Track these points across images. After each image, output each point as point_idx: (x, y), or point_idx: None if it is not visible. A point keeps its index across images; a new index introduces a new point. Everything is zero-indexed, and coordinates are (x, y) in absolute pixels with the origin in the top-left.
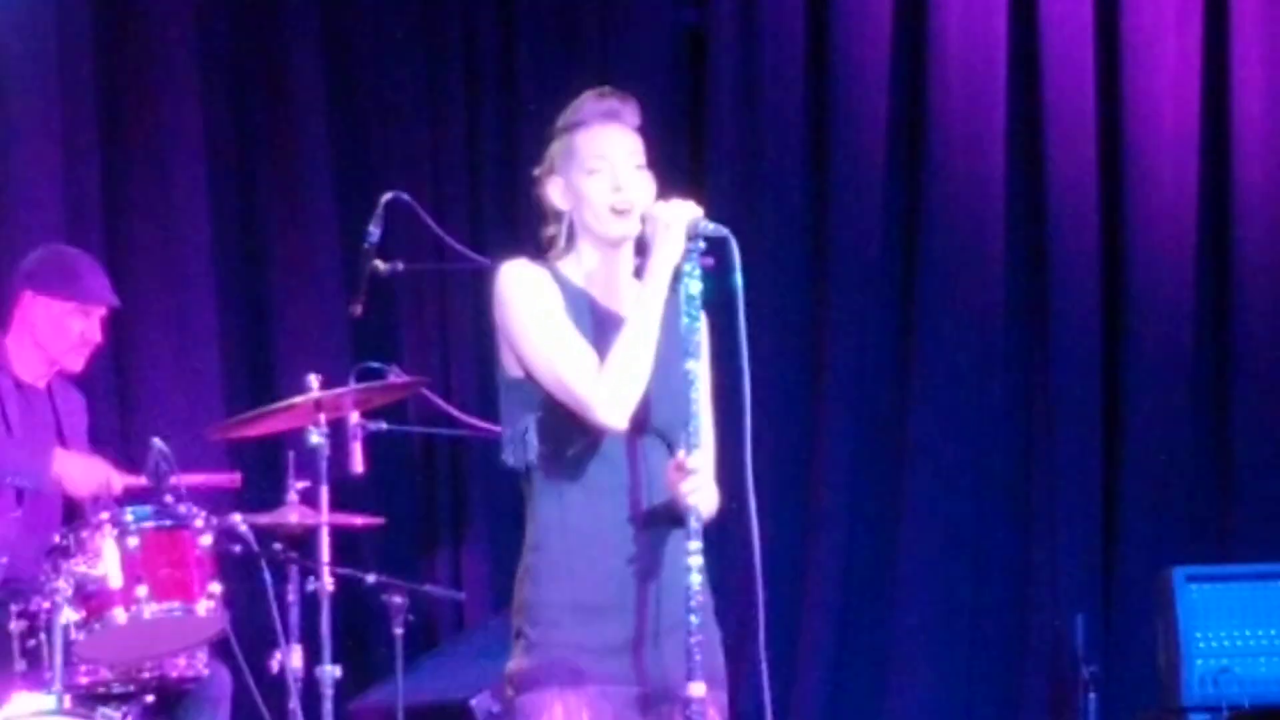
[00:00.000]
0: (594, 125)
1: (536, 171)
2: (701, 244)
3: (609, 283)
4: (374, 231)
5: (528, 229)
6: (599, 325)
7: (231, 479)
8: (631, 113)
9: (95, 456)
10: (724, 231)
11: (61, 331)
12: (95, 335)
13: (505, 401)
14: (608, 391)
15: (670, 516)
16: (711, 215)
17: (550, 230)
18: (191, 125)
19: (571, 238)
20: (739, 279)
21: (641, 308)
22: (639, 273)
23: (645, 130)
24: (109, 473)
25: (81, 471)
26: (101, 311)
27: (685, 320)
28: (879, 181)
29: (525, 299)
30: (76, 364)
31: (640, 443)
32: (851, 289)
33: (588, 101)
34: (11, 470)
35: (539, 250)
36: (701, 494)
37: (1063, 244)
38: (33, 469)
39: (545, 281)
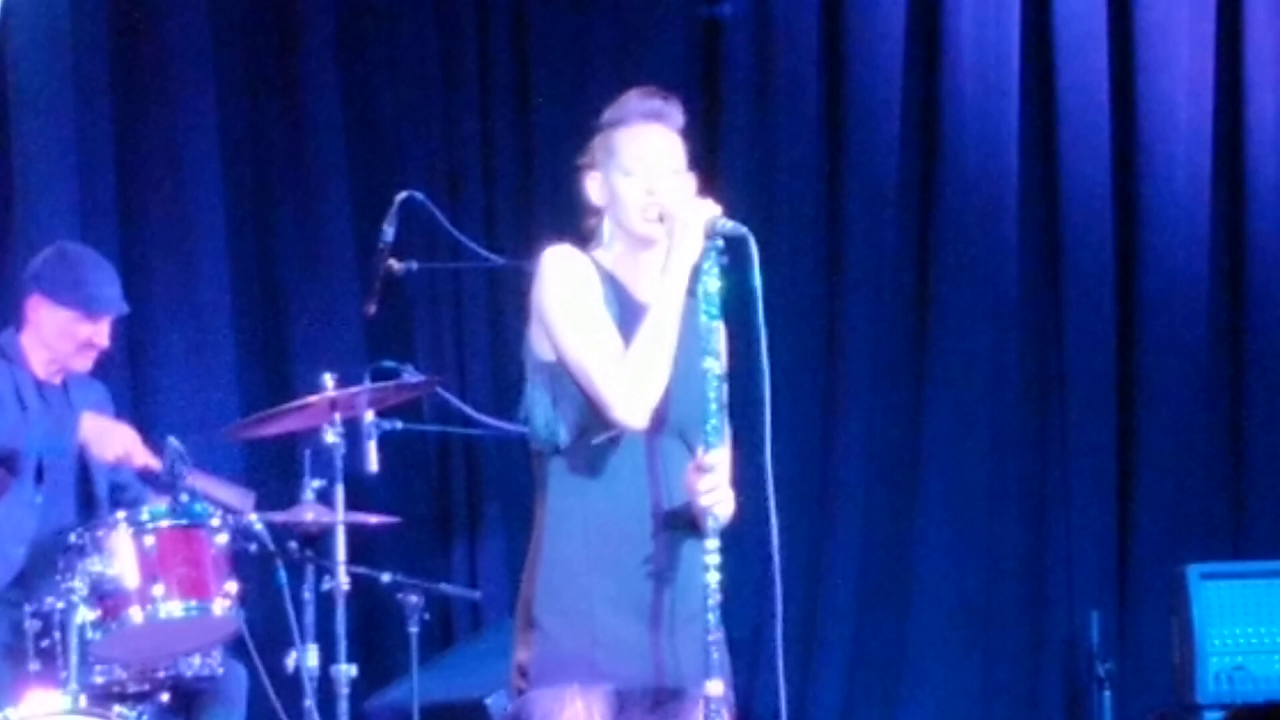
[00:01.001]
0: (635, 124)
1: (579, 162)
2: (720, 242)
3: (639, 280)
4: (388, 231)
5: (542, 228)
6: (627, 315)
7: (244, 498)
8: (675, 113)
9: (123, 426)
10: (742, 230)
11: (68, 336)
12: (103, 340)
13: (534, 384)
14: (627, 389)
15: (687, 515)
16: (726, 210)
17: (592, 222)
18: (206, 125)
19: (609, 231)
20: (757, 278)
21: (660, 305)
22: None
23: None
24: (134, 441)
25: (106, 434)
26: (110, 317)
27: (704, 318)
28: (894, 178)
29: (566, 286)
30: (84, 366)
31: (659, 441)
32: (866, 287)
33: (632, 99)
34: (39, 442)
35: (578, 240)
36: (718, 494)
37: (1077, 240)
38: (58, 438)
39: (588, 270)
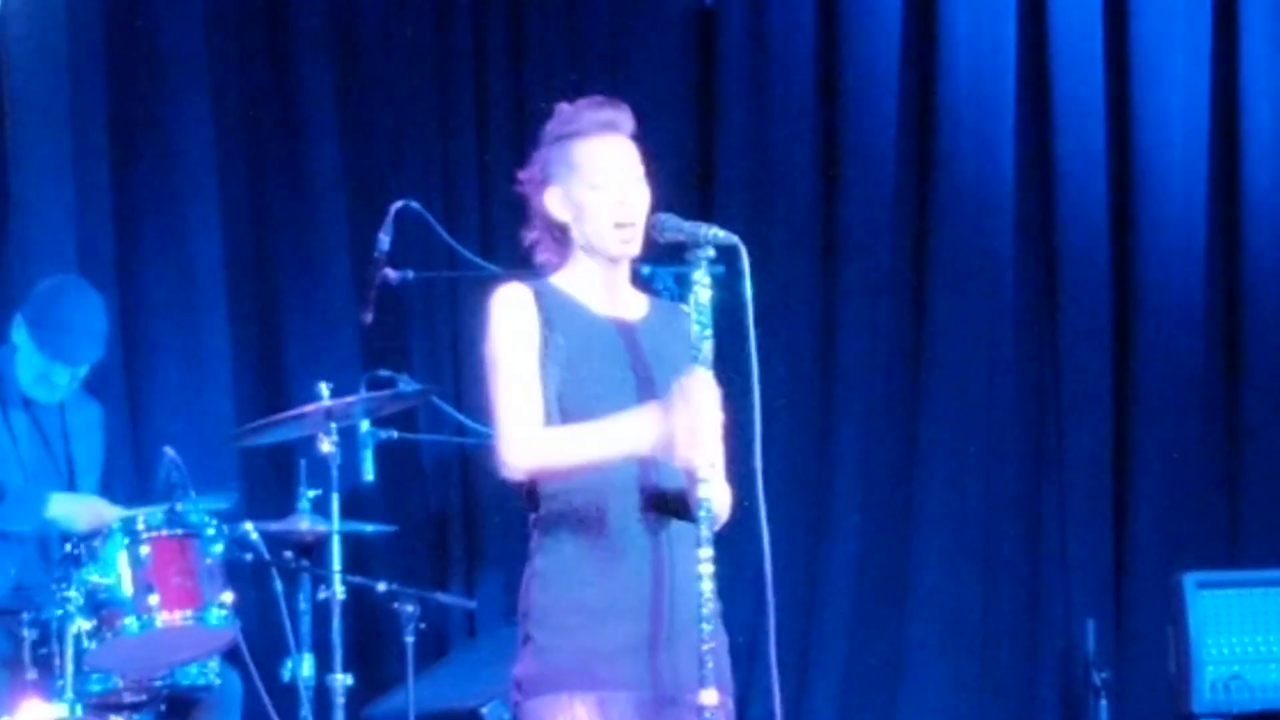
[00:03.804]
0: (593, 136)
1: (523, 175)
2: (711, 251)
3: (608, 293)
4: (384, 240)
5: None
6: (592, 337)
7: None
8: (627, 121)
9: (91, 498)
10: (734, 239)
11: (30, 365)
12: (61, 380)
13: None
14: (526, 448)
15: (679, 520)
16: (721, 219)
17: (535, 234)
18: (202, 136)
19: (568, 246)
20: (749, 287)
21: (603, 441)
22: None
23: (655, 128)
24: (103, 510)
25: (76, 512)
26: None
27: (695, 328)
28: (889, 187)
29: (504, 335)
30: (45, 396)
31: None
32: (862, 296)
33: (584, 111)
34: (7, 525)
35: (526, 256)
36: (713, 485)
37: (1072, 250)
38: (28, 517)
39: (527, 310)
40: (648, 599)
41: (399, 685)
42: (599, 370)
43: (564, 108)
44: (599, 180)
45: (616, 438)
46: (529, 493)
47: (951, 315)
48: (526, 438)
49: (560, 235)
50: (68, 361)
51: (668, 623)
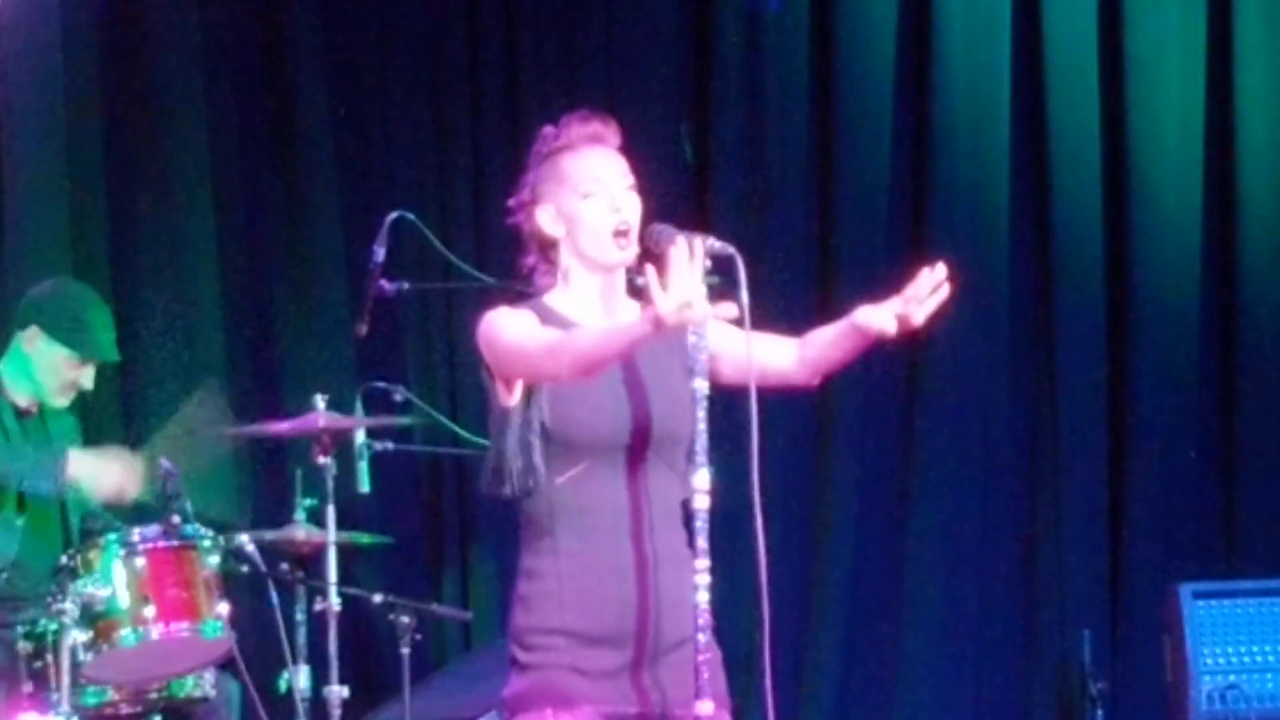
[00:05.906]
0: (581, 149)
1: (513, 201)
2: (707, 262)
3: (603, 307)
4: (379, 251)
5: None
6: None
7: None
8: (614, 134)
9: (115, 452)
10: (730, 250)
11: (55, 373)
12: (88, 383)
13: (494, 434)
14: (554, 360)
15: (670, 539)
16: (717, 229)
17: (531, 259)
18: (197, 148)
19: (562, 265)
20: (745, 296)
21: (616, 335)
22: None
23: (651, 141)
24: (126, 475)
25: (100, 473)
26: (99, 361)
27: (692, 339)
28: (885, 200)
29: (501, 324)
30: (63, 402)
31: (640, 463)
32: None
33: (571, 126)
34: (27, 474)
35: (524, 279)
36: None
37: (1068, 262)
38: (44, 479)
39: (520, 312)
40: (632, 624)
41: (395, 697)
42: (589, 395)
43: (549, 129)
44: (590, 189)
45: (623, 329)
46: (519, 517)
47: (947, 327)
48: (553, 355)
49: (555, 255)
50: (109, 353)
51: (653, 641)
